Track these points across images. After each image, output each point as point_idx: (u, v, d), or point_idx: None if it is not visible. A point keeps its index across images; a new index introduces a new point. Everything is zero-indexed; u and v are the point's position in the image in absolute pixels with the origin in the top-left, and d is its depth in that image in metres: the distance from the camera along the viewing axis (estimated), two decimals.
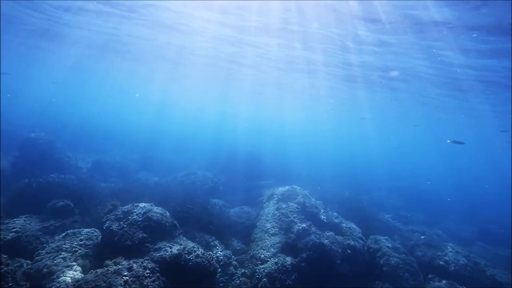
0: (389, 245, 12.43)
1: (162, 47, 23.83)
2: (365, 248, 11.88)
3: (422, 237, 14.67)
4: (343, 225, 12.06)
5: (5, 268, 6.11)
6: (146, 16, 16.76)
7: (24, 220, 9.08)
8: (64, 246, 7.64)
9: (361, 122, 47.54)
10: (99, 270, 6.40)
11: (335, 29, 13.80)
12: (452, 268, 11.06)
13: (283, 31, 15.29)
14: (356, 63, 19.15)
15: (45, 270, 6.80)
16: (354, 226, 12.67)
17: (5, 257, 6.54)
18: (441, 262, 11.48)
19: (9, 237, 8.28)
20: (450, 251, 12.09)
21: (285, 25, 14.39)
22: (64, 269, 6.82)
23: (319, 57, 19.51)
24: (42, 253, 7.65)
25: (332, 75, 23.87)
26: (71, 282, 6.31)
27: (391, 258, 11.75)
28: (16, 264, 7.82)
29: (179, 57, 26.42)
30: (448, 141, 17.08)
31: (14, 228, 8.54)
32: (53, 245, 7.77)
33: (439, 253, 11.99)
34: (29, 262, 7.74)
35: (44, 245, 8.44)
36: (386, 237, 13.17)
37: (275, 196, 12.39)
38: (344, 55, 17.86)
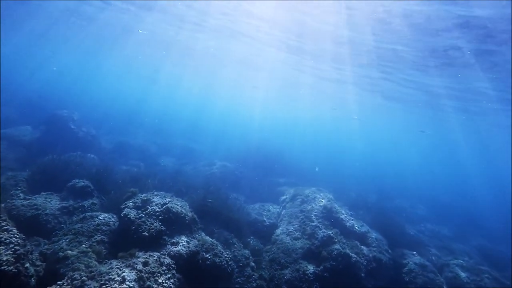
0: (417, 261, 11.55)
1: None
2: (391, 262, 11.06)
3: (453, 256, 13.55)
4: (369, 235, 11.26)
5: (21, 250, 5.89)
6: None
7: (45, 198, 8.99)
8: (81, 230, 7.41)
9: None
10: (113, 262, 6.07)
11: None
12: None
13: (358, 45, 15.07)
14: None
15: (60, 254, 6.57)
16: (381, 237, 11.85)
17: (22, 237, 6.34)
18: None
19: (29, 214, 8.20)
20: (487, 276, 11.00)
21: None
22: (79, 255, 6.56)
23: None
24: (59, 234, 7.49)
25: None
26: (85, 270, 6.02)
27: (418, 276, 10.90)
28: (34, 243, 7.72)
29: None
30: None
31: (34, 205, 8.45)
32: (71, 227, 7.58)
33: (474, 277, 10.94)
34: (46, 241, 7.62)
35: (62, 225, 8.31)
36: (414, 252, 12.28)
37: (299, 197, 11.71)
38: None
